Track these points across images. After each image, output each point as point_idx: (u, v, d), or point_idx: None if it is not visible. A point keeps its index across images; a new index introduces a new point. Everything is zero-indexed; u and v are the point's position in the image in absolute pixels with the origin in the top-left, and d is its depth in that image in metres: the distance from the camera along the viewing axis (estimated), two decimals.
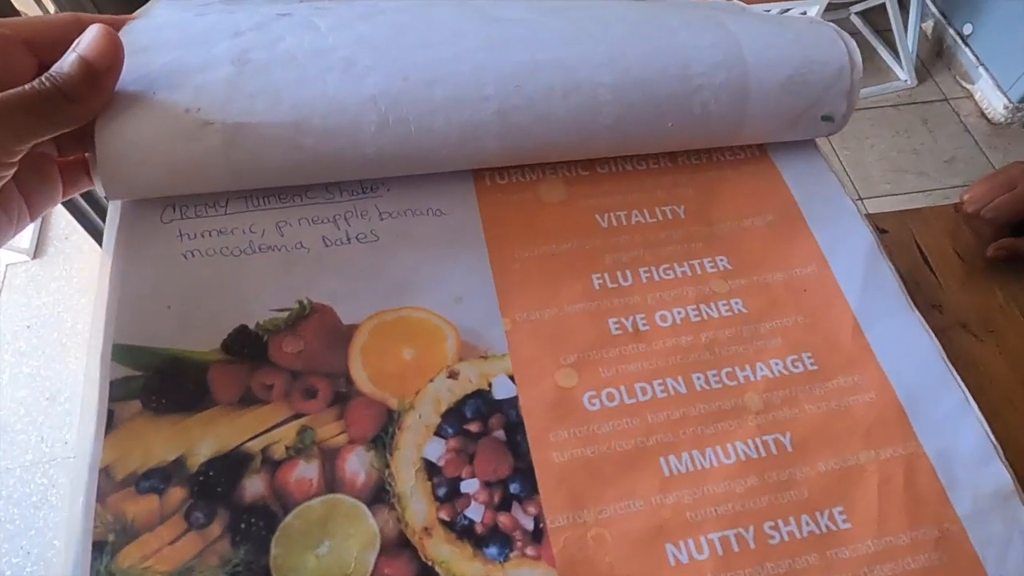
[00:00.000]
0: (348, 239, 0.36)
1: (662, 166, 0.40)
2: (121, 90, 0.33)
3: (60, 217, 1.37)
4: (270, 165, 0.35)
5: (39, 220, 1.30)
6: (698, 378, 0.33)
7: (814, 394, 0.33)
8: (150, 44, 0.35)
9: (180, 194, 0.36)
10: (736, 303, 0.35)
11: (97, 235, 0.94)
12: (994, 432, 0.32)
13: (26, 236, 1.31)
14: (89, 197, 0.87)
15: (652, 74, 0.36)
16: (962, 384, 0.33)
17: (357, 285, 0.34)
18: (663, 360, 0.33)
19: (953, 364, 0.34)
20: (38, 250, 1.34)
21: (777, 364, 0.33)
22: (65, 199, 0.38)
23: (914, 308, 0.35)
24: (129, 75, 0.34)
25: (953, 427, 0.32)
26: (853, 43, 0.38)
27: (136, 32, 0.36)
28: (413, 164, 0.36)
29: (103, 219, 0.91)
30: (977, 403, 0.32)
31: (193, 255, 0.34)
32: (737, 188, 0.40)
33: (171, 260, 0.34)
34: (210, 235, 0.35)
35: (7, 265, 1.27)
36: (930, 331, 0.34)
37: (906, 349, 0.34)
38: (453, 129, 0.35)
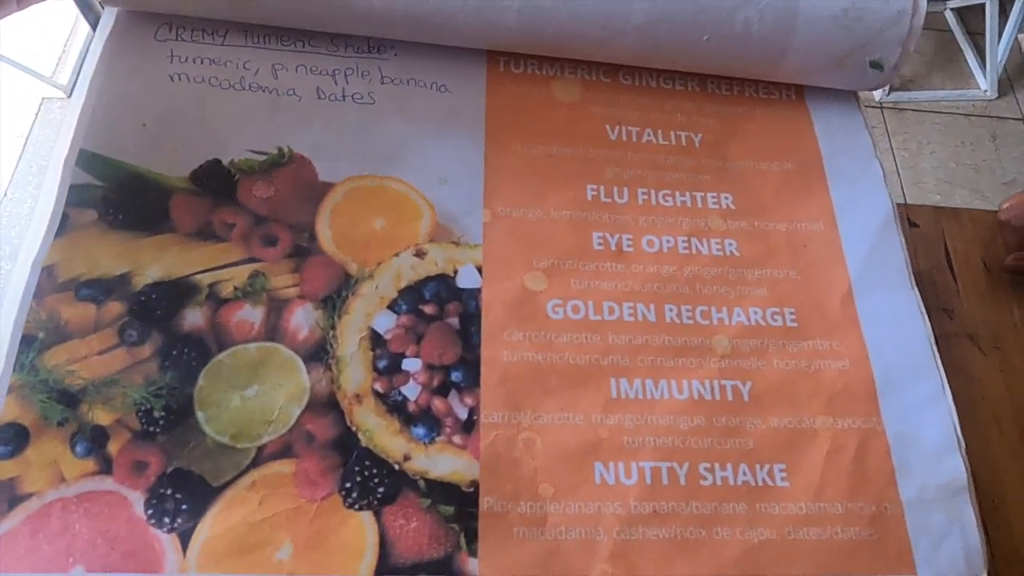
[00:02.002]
0: (343, 96, 0.34)
1: (689, 89, 0.37)
2: None
3: None
4: None
5: (81, 59, 1.28)
6: (670, 309, 0.31)
7: (786, 350, 0.31)
8: None
9: (177, 13, 0.34)
10: (730, 244, 0.33)
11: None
12: (974, 451, 0.30)
13: (64, 73, 1.29)
14: None
15: None
16: (942, 372, 0.31)
17: (342, 144, 0.33)
18: (639, 284, 0.32)
19: (947, 372, 0.32)
20: (76, 90, 1.33)
21: (756, 313, 0.32)
22: None
23: (914, 286, 0.33)
24: None
25: (921, 413, 0.30)
26: None
27: None
28: (424, 28, 0.34)
29: None
30: (964, 417, 0.31)
31: (180, 78, 0.33)
32: (763, 128, 0.37)
33: (156, 78, 0.33)
34: (202, 62, 0.33)
35: (43, 99, 1.26)
36: (924, 313, 0.33)
37: (894, 326, 0.32)
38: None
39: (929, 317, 0.33)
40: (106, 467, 0.25)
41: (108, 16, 0.34)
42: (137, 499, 0.25)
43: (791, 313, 0.32)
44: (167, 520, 0.24)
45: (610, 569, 0.25)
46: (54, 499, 0.24)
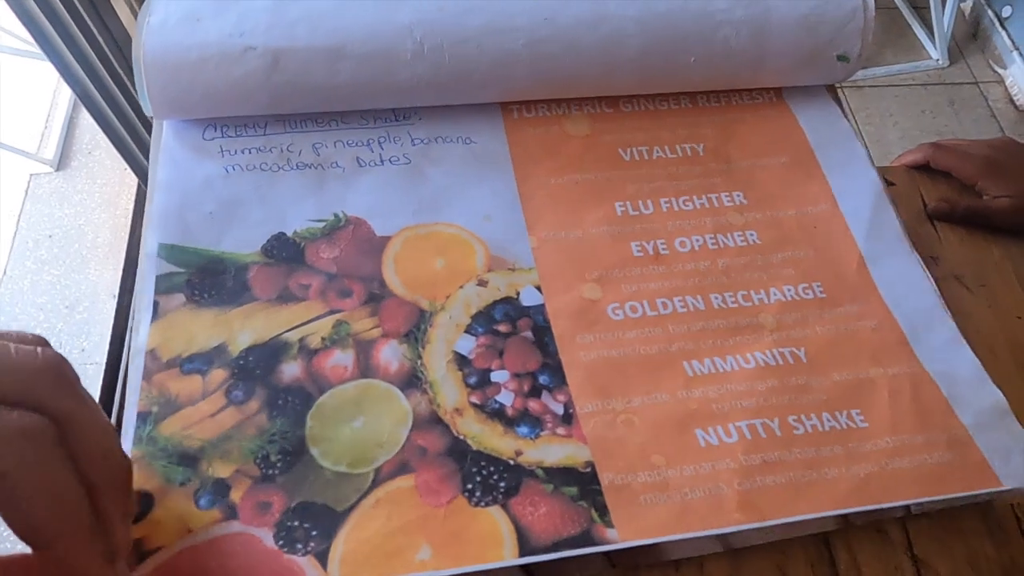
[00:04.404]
0: (381, 161, 0.37)
1: (683, 106, 0.41)
2: (167, 17, 0.35)
3: (85, 131, 1.37)
4: (308, 89, 0.36)
5: (64, 131, 1.31)
6: (715, 298, 0.34)
7: (823, 318, 0.34)
8: None
9: (223, 115, 0.37)
10: (751, 235, 0.37)
11: (122, 147, 0.95)
12: None
13: (50, 148, 1.32)
14: (115, 105, 0.89)
15: (675, 8, 0.37)
16: (951, 316, 0.35)
17: (389, 202, 0.36)
18: (682, 280, 0.35)
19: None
20: (62, 162, 1.34)
21: (789, 290, 0.35)
22: None
23: (914, 250, 0.37)
24: (175, 3, 0.36)
25: (950, 354, 0.34)
26: None
27: None
28: (446, 92, 0.38)
29: (128, 130, 0.93)
30: None
31: (234, 169, 0.36)
32: (754, 130, 0.41)
33: (213, 172, 0.36)
34: (249, 152, 0.37)
35: (31, 175, 1.29)
36: (927, 272, 0.36)
37: (906, 286, 0.36)
38: (485, 58, 0.37)
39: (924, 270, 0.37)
40: (231, 513, 0.26)
41: (159, 127, 0.37)
42: (266, 535, 0.26)
43: (818, 286, 0.35)
44: (300, 546, 0.26)
45: (742, 516, 0.27)
46: (183, 548, 0.25)
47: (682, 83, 0.40)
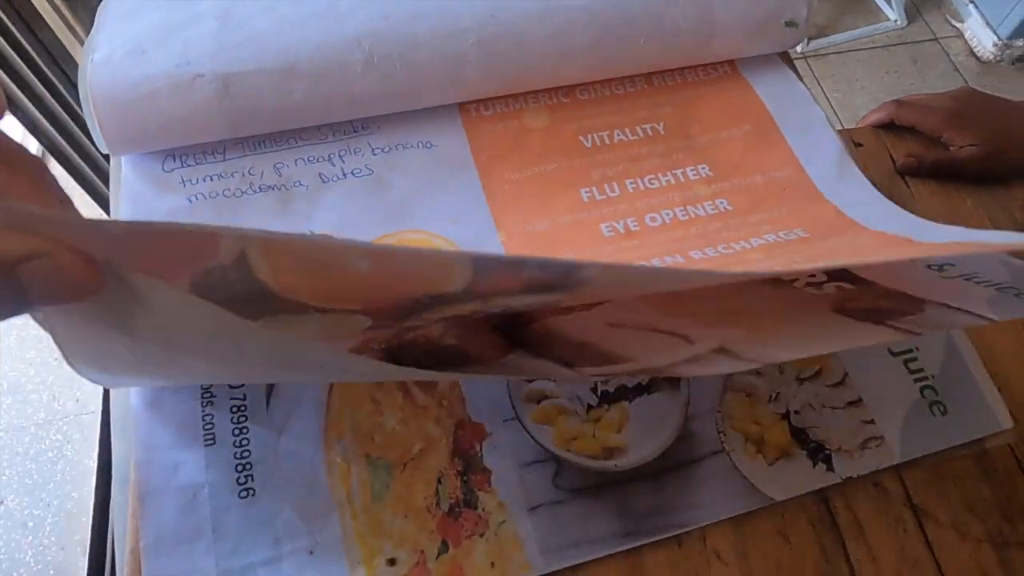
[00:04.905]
0: (344, 175, 0.37)
1: (639, 88, 0.41)
2: (111, 52, 0.35)
3: (58, 180, 1.40)
4: (263, 111, 0.36)
5: None
6: (696, 254, 0.34)
7: (813, 248, 0.34)
8: (131, 10, 0.37)
9: (180, 145, 0.37)
10: (721, 203, 0.37)
11: (96, 197, 0.95)
12: (970, 331, 0.35)
13: None
14: (82, 152, 0.89)
15: None
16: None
17: (356, 215, 0.36)
18: (660, 248, 0.34)
19: None
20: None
21: (771, 236, 0.34)
22: None
23: (883, 197, 0.37)
24: (118, 38, 0.35)
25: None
26: None
27: (115, 3, 0.38)
28: (401, 100, 0.38)
29: (102, 180, 0.92)
30: None
31: (196, 199, 0.36)
32: (712, 103, 0.41)
33: (176, 205, 0.35)
34: (211, 179, 0.36)
35: None
36: (906, 210, 0.36)
37: (890, 220, 0.35)
38: (436, 62, 0.37)
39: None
40: None
41: (117, 163, 0.37)
42: None
43: (801, 230, 0.35)
44: None
45: None
46: None
47: (635, 66, 0.40)
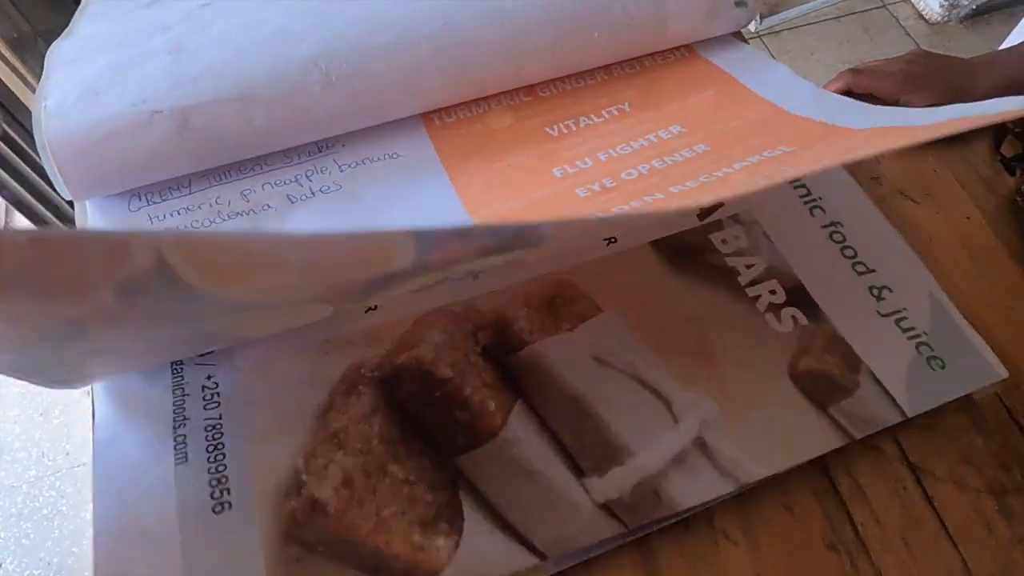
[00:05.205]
0: (312, 193, 0.37)
1: (599, 80, 0.42)
2: (64, 97, 0.34)
3: None
4: (225, 141, 0.36)
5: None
6: (675, 188, 0.31)
7: (799, 158, 0.31)
8: (80, 54, 0.37)
9: (144, 184, 0.37)
10: (698, 147, 0.36)
11: None
12: (943, 284, 0.35)
13: None
14: (51, 204, 0.88)
15: None
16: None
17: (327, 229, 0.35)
18: (639, 194, 0.32)
19: (897, 228, 0.37)
20: None
21: (755, 157, 0.32)
22: None
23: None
24: (69, 83, 0.35)
25: None
26: None
27: (63, 48, 0.37)
28: (363, 116, 0.38)
29: (69, 227, 0.91)
30: (925, 259, 0.36)
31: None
32: (675, 81, 0.41)
33: None
34: (179, 213, 0.36)
35: None
36: (904, 108, 0.34)
37: (890, 122, 0.32)
38: (395, 75, 0.36)
39: (861, 188, 0.38)
40: None
41: (81, 208, 0.37)
42: None
43: (786, 147, 0.32)
44: None
45: None
46: None
47: (593, 59, 0.40)
